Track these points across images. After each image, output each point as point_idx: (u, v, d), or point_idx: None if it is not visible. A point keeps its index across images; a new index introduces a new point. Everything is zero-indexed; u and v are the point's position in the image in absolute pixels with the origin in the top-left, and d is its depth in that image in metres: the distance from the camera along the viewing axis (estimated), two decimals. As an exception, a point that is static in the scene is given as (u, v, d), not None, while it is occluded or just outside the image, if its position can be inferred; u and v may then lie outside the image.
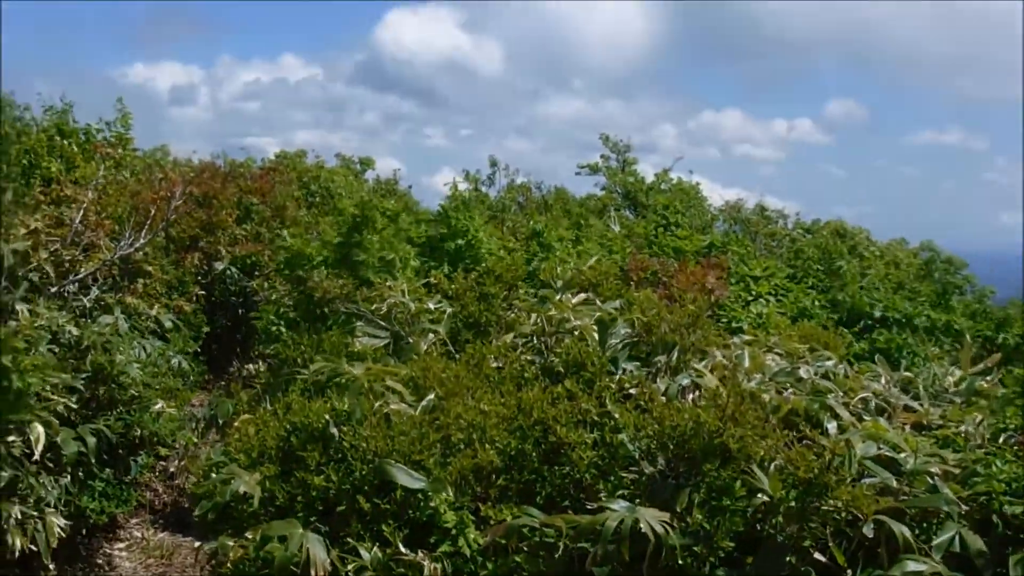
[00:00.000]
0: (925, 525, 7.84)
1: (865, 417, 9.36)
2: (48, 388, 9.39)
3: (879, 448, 8.30)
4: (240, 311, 17.36)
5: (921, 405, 10.10)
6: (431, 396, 9.15)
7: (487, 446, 8.40)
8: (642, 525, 7.47)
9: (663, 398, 9.06)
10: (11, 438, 8.91)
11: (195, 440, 12.05)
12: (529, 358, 10.25)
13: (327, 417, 8.63)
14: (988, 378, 10.91)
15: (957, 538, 7.50)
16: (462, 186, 17.68)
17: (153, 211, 14.27)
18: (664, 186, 29.86)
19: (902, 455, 8.28)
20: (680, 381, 9.52)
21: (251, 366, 16.19)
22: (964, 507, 7.77)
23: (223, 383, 16.34)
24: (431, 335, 11.44)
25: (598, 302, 11.35)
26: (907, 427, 9.40)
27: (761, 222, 27.16)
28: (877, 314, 17.45)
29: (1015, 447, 8.56)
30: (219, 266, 16.88)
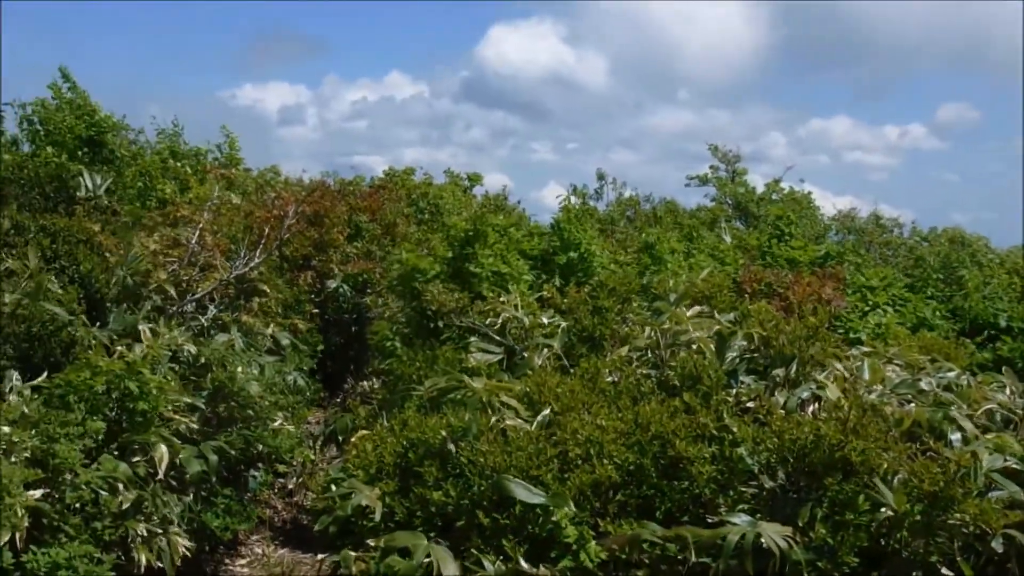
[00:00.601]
0: (1057, 539, 7.60)
1: (990, 429, 9.15)
2: (171, 408, 9.58)
3: (1006, 460, 8.12)
4: (353, 328, 17.53)
5: (1048, 416, 9.82)
6: (547, 411, 9.15)
7: (605, 461, 8.36)
8: (764, 540, 7.40)
9: (782, 411, 8.94)
10: (136, 458, 9.10)
11: (312, 457, 12.16)
12: (645, 372, 10.17)
13: (444, 433, 8.67)
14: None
15: (1091, 553, 7.28)
16: (571, 200, 17.56)
17: (267, 230, 14.47)
18: (775, 196, 29.66)
19: (1030, 468, 8.06)
20: (800, 394, 9.37)
21: (365, 383, 16.33)
22: (1097, 521, 7.53)
23: (338, 400, 16.54)
24: (545, 350, 11.41)
25: (715, 314, 11.24)
26: (1034, 439, 9.16)
27: (876, 231, 26.76)
28: (1002, 324, 17.02)
29: None
30: (332, 284, 17.01)
